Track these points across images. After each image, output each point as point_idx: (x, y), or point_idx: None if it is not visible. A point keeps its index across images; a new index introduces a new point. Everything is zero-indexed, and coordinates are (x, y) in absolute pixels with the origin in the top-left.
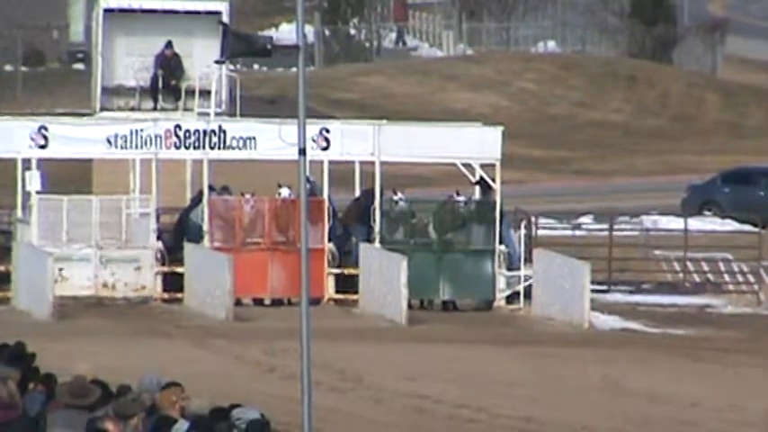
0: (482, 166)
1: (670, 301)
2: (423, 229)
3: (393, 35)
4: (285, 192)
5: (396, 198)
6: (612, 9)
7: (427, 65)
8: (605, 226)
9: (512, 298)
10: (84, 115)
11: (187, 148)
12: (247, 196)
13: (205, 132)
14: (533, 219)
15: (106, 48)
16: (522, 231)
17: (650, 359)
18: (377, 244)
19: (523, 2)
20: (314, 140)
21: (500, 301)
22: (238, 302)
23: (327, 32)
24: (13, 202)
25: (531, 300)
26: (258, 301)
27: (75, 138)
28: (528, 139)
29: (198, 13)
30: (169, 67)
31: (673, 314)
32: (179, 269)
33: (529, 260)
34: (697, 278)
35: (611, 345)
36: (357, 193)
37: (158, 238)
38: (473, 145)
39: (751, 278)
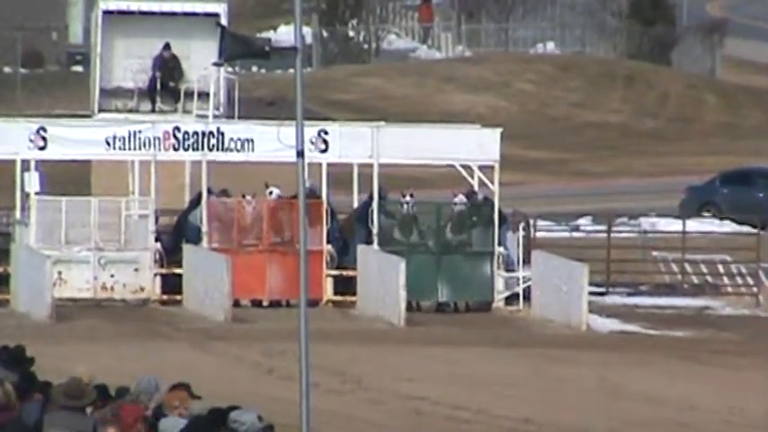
0: (480, 167)
1: (668, 302)
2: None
3: (391, 36)
4: (276, 191)
5: (403, 200)
6: (611, 10)
7: (425, 66)
8: (603, 228)
9: (510, 299)
10: (82, 117)
11: (186, 149)
12: (248, 197)
13: (203, 134)
14: (532, 221)
15: (105, 49)
16: (521, 233)
17: (648, 361)
18: (375, 246)
19: (522, 3)
20: (312, 142)
21: (499, 302)
22: (237, 304)
23: (325, 34)
24: (12, 203)
25: (530, 301)
26: (256, 303)
27: (73, 139)
28: (526, 141)
29: (196, 14)
30: (167, 68)
31: (671, 316)
32: (178, 271)
33: (527, 262)
34: (695, 280)
35: (609, 347)
36: (355, 195)
37: (157, 239)
38: (471, 147)
39: (749, 280)
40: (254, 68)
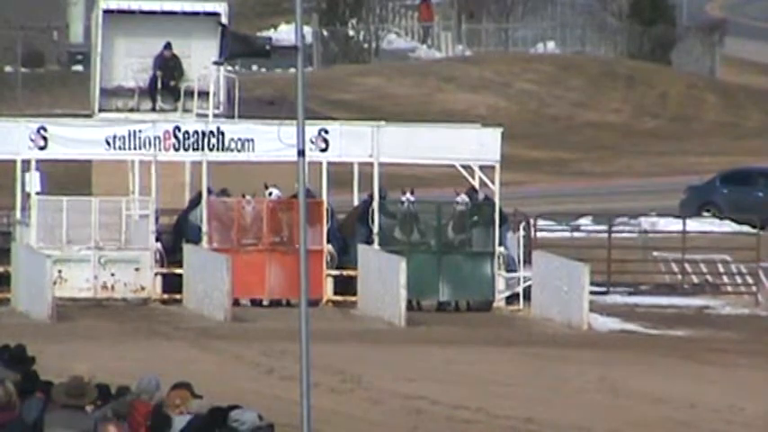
0: (481, 167)
1: (668, 302)
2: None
3: (391, 36)
4: (275, 192)
5: (404, 199)
6: (611, 10)
7: (426, 66)
8: (604, 227)
9: (511, 299)
10: (83, 116)
11: (186, 149)
12: (248, 197)
13: (204, 134)
14: (532, 220)
15: (105, 49)
16: (521, 233)
17: (649, 360)
18: (376, 245)
19: (522, 3)
20: (312, 142)
21: (499, 302)
22: (236, 303)
23: (326, 33)
24: (13, 203)
25: (531, 301)
26: (256, 303)
27: (74, 139)
28: (527, 141)
29: (197, 14)
30: (168, 68)
31: (671, 315)
32: (178, 270)
33: (528, 262)
34: (695, 279)
35: (609, 346)
36: (356, 194)
37: (157, 239)
38: (472, 146)
39: (749, 279)
40: (255, 67)
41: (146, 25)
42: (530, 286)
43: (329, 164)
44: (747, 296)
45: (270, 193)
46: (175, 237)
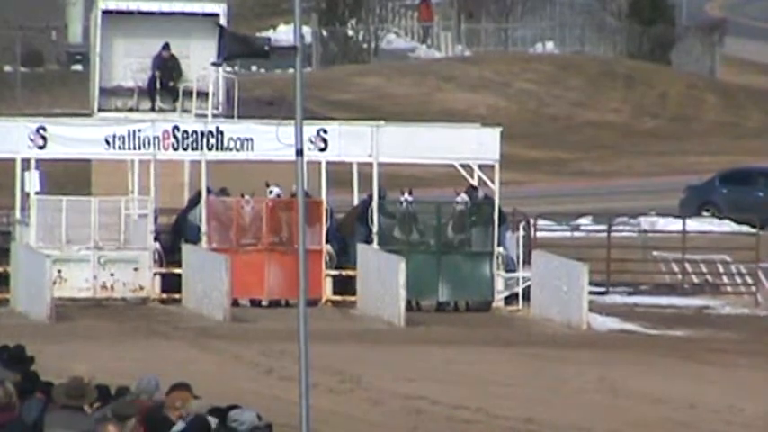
0: (480, 167)
1: (668, 302)
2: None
3: (391, 36)
4: (276, 190)
5: (402, 199)
6: (611, 10)
7: (425, 66)
8: (603, 227)
9: (510, 299)
10: (82, 116)
11: (185, 149)
12: (247, 197)
13: (203, 133)
14: (532, 220)
15: (104, 49)
16: (521, 233)
17: (648, 360)
18: (375, 245)
19: (522, 3)
20: (311, 141)
21: (498, 302)
22: (236, 303)
23: (325, 33)
24: (12, 202)
25: (530, 301)
26: (255, 303)
27: (73, 138)
28: (526, 140)
29: (195, 14)
30: (167, 68)
31: (671, 315)
32: (177, 270)
33: (527, 262)
34: (695, 279)
35: (609, 346)
36: (355, 194)
37: (156, 239)
38: (471, 146)
39: (749, 279)
40: (254, 68)
41: (144, 26)
42: (529, 286)
43: (328, 164)
44: (747, 296)
45: (271, 192)
46: (174, 236)
